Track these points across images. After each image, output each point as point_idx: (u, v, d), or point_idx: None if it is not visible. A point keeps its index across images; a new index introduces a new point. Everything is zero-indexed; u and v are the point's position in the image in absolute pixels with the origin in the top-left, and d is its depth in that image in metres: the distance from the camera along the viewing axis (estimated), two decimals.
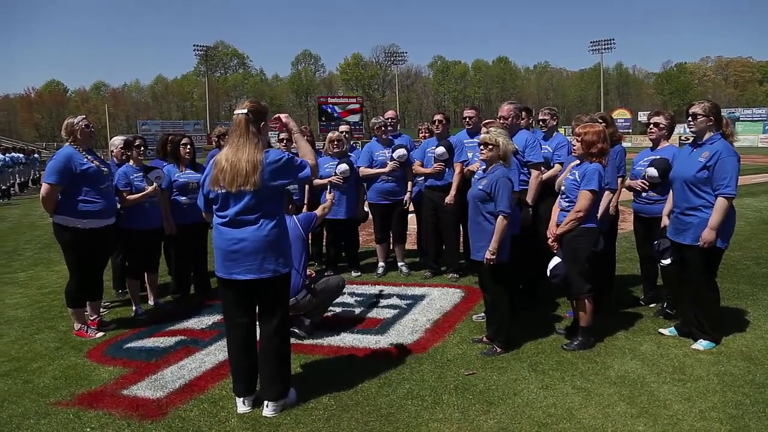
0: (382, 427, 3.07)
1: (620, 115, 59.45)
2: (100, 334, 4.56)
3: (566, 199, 4.09)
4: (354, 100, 63.74)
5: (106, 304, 5.30)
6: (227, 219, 3.10)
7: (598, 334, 4.21)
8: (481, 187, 4.02)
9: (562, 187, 4.15)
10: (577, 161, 4.35)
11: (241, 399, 3.26)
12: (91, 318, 4.68)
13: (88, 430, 3.11)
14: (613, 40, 70.32)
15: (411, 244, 7.16)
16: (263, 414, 3.20)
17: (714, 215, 3.80)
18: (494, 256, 3.93)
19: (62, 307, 4.97)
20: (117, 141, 5.36)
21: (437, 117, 6.18)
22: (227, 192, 3.06)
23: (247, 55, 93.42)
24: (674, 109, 78.15)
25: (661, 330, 4.35)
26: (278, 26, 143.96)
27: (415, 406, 3.31)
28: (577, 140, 4.02)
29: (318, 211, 4.74)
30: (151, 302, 5.31)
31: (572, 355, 3.97)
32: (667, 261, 4.26)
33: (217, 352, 4.16)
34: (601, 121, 4.57)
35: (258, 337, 3.31)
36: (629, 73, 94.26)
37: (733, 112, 56.78)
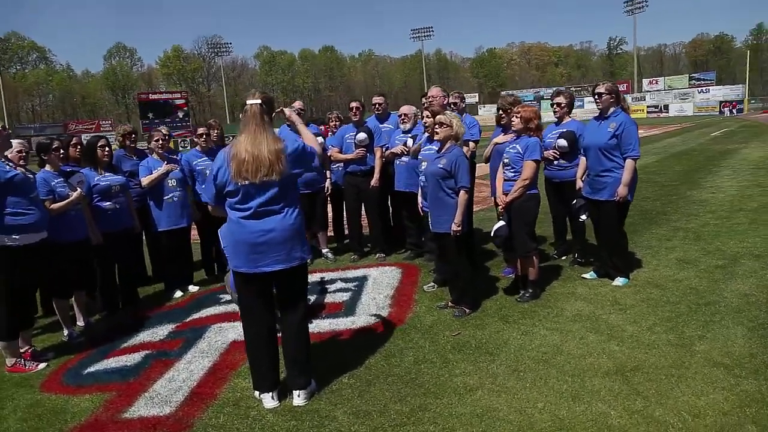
0: (414, 391, 3.30)
1: None
2: (43, 365, 4.01)
3: (511, 170, 4.63)
4: (178, 95, 59.97)
5: None
6: (251, 211, 3.04)
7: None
8: (441, 166, 4.37)
9: (505, 159, 4.68)
10: (501, 136, 4.96)
11: (269, 394, 3.22)
12: (23, 350, 4.09)
13: None
14: (432, 27, 76.00)
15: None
16: (294, 404, 3.21)
17: (625, 174, 4.64)
18: (460, 228, 4.33)
19: None
20: (15, 144, 4.61)
21: (354, 104, 6.39)
22: (251, 183, 3.00)
23: (49, 48, 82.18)
24: (488, 91, 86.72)
25: (584, 275, 5.16)
26: (84, 16, 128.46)
27: (429, 368, 3.58)
28: (516, 117, 4.58)
29: None
30: (80, 323, 4.76)
31: (529, 305, 4.55)
32: (584, 217, 5.06)
33: (199, 358, 3.96)
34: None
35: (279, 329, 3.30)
36: (447, 58, 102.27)
37: (537, 92, 64.94)
